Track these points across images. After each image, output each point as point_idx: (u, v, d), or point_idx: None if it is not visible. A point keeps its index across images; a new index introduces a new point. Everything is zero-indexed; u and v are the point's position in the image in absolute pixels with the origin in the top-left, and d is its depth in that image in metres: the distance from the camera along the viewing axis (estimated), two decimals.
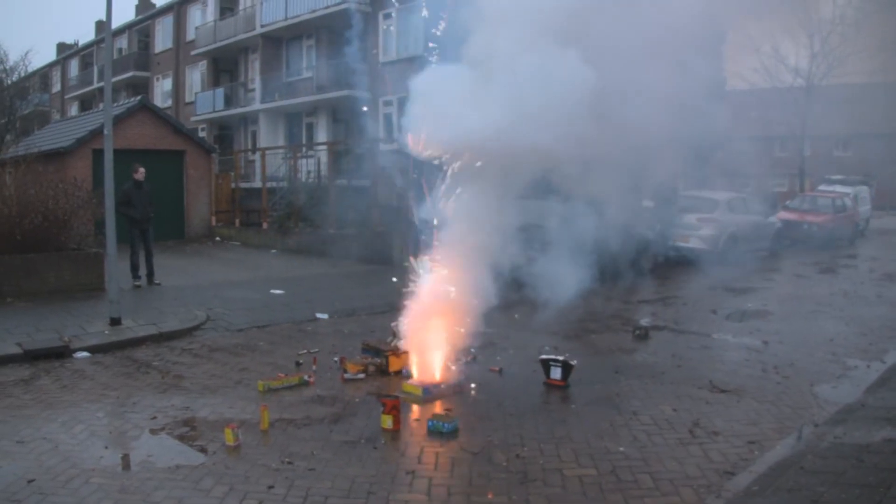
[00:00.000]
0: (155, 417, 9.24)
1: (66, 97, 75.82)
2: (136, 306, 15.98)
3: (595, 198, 11.60)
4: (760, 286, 19.83)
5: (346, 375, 10.98)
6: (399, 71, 31.94)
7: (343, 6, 37.91)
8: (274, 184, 33.73)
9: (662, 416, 9.32)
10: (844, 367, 11.92)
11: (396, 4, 35.30)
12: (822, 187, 38.03)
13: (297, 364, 11.69)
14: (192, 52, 51.41)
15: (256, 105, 45.28)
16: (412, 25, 34.38)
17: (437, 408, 9.53)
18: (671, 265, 23.18)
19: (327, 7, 38.67)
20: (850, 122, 44.11)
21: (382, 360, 11.29)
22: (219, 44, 48.20)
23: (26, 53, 66.67)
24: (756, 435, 8.68)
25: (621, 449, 8.19)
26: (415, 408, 9.66)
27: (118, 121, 26.70)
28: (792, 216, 31.11)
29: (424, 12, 12.82)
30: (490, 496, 7.06)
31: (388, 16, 37.57)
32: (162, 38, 58.07)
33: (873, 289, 20.07)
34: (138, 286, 19.01)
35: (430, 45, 11.29)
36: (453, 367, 10.72)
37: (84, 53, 73.89)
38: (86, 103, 70.14)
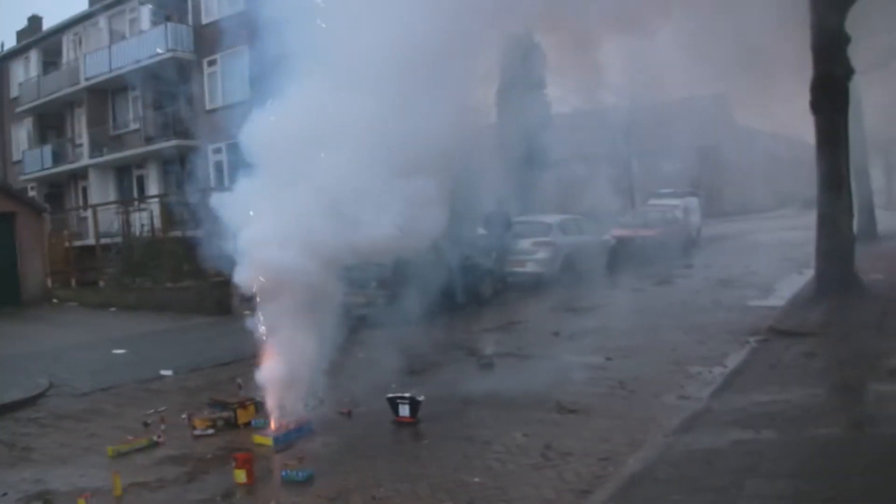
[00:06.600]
0: (6, 494, 8.95)
1: None
2: None
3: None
4: (600, 304, 20.11)
5: (196, 432, 10.83)
6: (226, 117, 31.65)
7: (166, 55, 37.43)
8: (108, 240, 33.00)
9: (514, 443, 9.42)
10: (688, 375, 12.25)
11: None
12: (652, 201, 38.74)
13: (146, 425, 11.41)
14: (17, 110, 49.81)
15: (85, 160, 44.25)
16: (237, 71, 34.08)
17: (291, 456, 9.40)
18: (511, 291, 23.41)
19: (151, 57, 38.05)
20: (674, 137, 45.20)
21: (230, 413, 11.14)
22: (43, 99, 46.88)
23: None
24: (608, 451, 8.85)
25: (476, 480, 8.25)
26: (268, 459, 9.55)
27: None
28: (625, 232, 31.53)
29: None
30: None
31: (212, 62, 37.23)
32: None
33: (709, 296, 20.60)
34: None
35: None
36: (302, 414, 10.61)
37: None
38: None
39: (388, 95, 10.36)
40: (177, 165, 36.19)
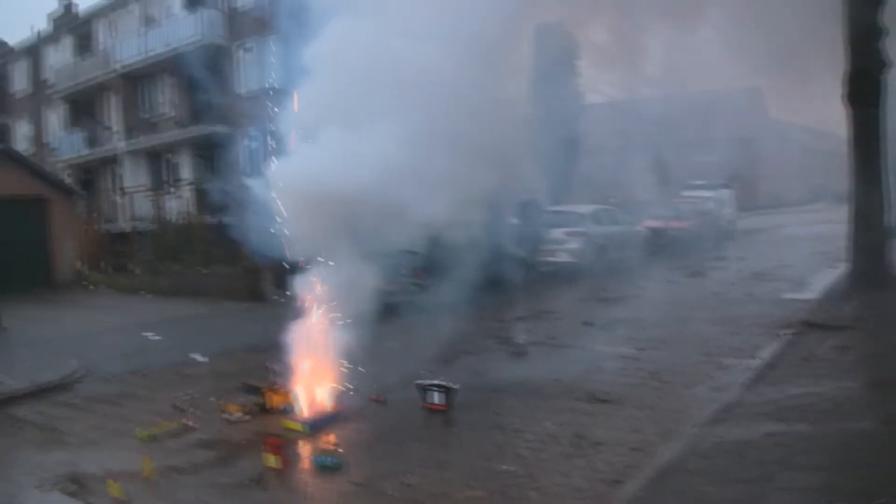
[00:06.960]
0: (38, 475, 8.96)
1: None
2: (9, 360, 15.57)
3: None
4: (632, 294, 20.07)
5: (228, 417, 10.84)
6: (260, 103, 31.65)
7: (200, 41, 37.45)
8: (141, 225, 33.11)
9: (545, 432, 9.42)
10: (720, 367, 12.19)
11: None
12: (684, 193, 38.54)
13: (178, 409, 11.45)
14: (51, 94, 49.95)
15: (118, 145, 44.35)
16: (272, 56, 34.08)
17: (322, 442, 9.44)
18: (543, 281, 23.35)
19: (184, 42, 38.10)
20: (708, 129, 44.90)
21: (262, 398, 11.15)
22: (77, 84, 46.97)
23: None
24: (639, 442, 8.83)
25: (507, 467, 8.27)
26: (299, 444, 9.58)
27: None
28: (658, 223, 31.44)
29: None
30: None
31: (246, 48, 37.23)
32: (19, 81, 56.42)
33: (742, 288, 20.52)
34: None
35: None
36: (334, 400, 10.63)
37: None
38: None
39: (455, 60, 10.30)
40: (210, 151, 36.27)
